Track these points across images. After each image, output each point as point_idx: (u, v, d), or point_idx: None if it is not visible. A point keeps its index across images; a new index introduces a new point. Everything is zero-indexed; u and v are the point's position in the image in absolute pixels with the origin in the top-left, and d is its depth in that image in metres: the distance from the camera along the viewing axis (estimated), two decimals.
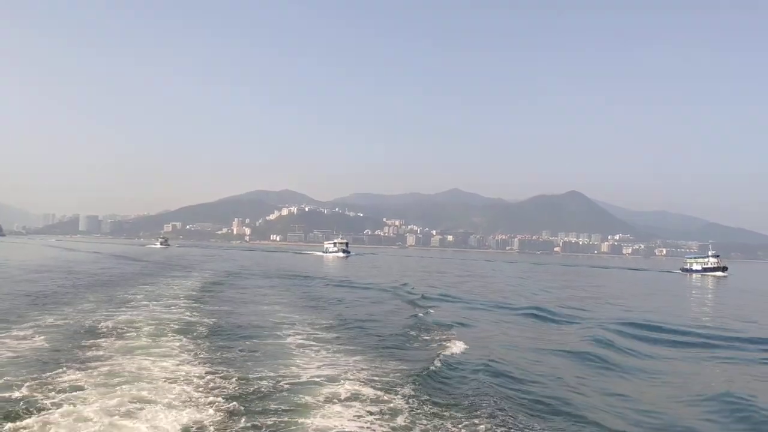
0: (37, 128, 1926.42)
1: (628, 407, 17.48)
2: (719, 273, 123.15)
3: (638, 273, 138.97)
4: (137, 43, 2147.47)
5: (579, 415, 16.20)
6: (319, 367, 20.16)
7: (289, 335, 26.72)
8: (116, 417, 14.19)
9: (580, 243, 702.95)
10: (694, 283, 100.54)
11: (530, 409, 16.46)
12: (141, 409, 14.78)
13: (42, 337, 23.75)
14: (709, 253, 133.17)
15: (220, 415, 14.67)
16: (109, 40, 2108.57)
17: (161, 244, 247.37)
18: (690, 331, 33.95)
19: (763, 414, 16.91)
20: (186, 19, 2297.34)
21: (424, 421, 14.75)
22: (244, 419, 14.50)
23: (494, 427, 14.36)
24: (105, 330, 25.76)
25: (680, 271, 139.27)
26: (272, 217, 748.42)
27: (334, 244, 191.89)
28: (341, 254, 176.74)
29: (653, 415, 16.84)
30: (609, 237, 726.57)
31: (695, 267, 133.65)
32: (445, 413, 15.44)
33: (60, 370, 18.32)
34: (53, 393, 15.85)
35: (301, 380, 18.32)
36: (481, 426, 14.45)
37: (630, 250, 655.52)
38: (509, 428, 14.38)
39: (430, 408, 15.79)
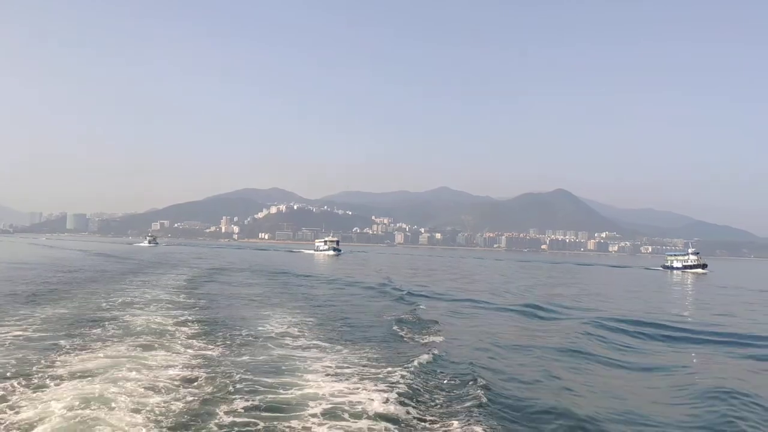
0: (26, 127, 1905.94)
1: (611, 400, 17.96)
2: (699, 270, 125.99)
3: (620, 270, 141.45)
4: (128, 42, 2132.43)
5: (565, 410, 16.33)
6: (307, 362, 20.71)
7: (280, 330, 27.46)
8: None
9: (567, 241, 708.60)
10: (673, 280, 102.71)
11: (517, 405, 16.64)
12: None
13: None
14: (690, 251, 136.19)
15: (198, 405, 15.26)
16: (99, 40, 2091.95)
17: (149, 242, 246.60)
18: (668, 325, 35.25)
19: (739, 405, 17.42)
20: (178, 18, 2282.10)
21: (411, 418, 14.84)
22: (226, 411, 14.99)
23: (481, 423, 14.40)
24: (100, 322, 27.61)
25: (661, 269, 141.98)
26: (261, 215, 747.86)
27: (325, 242, 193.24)
28: (332, 252, 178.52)
29: (635, 408, 17.27)
30: (596, 235, 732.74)
31: (676, 264, 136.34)
32: (432, 409, 15.70)
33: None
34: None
35: (288, 373, 18.84)
36: (469, 422, 14.56)
37: (616, 248, 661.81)
38: (497, 424, 14.47)
39: (417, 404, 15.94)
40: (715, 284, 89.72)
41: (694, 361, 24.78)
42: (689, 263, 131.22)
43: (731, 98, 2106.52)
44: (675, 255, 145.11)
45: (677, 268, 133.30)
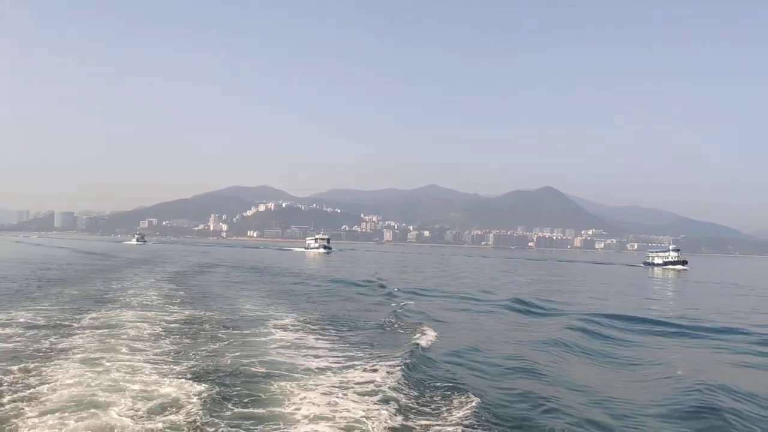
0: (15, 125, 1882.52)
1: (596, 393, 18.34)
2: (679, 267, 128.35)
3: (603, 267, 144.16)
4: (116, 43, 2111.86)
5: (550, 403, 16.64)
6: (297, 357, 21.28)
7: (270, 328, 27.85)
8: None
9: (554, 238, 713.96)
10: (653, 276, 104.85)
11: (504, 399, 16.98)
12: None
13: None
14: (670, 248, 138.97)
15: (196, 401, 15.62)
16: (84, 41, 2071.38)
17: (138, 240, 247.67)
18: (646, 319, 36.65)
19: (714, 396, 17.86)
20: (166, 20, 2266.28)
21: (398, 415, 14.97)
22: (215, 404, 15.39)
23: (468, 420, 14.53)
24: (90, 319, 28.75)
25: (643, 265, 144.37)
26: (249, 213, 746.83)
27: (316, 240, 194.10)
28: (322, 250, 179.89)
29: (618, 399, 17.79)
30: (582, 232, 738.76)
31: (657, 261, 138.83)
32: (419, 406, 15.83)
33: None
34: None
35: (278, 371, 19.06)
36: (457, 417, 14.78)
37: (602, 245, 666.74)
38: (483, 421, 14.56)
39: (405, 399, 16.18)
40: (693, 280, 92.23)
41: (672, 355, 25.44)
42: (670, 260, 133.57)
43: (718, 97, 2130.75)
44: (656, 252, 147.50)
45: (658, 265, 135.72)
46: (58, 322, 27.15)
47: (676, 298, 59.19)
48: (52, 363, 19.01)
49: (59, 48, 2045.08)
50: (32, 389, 16.04)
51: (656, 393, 18.71)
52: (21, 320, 27.33)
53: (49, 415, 13.96)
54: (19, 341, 22.59)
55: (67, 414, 14.14)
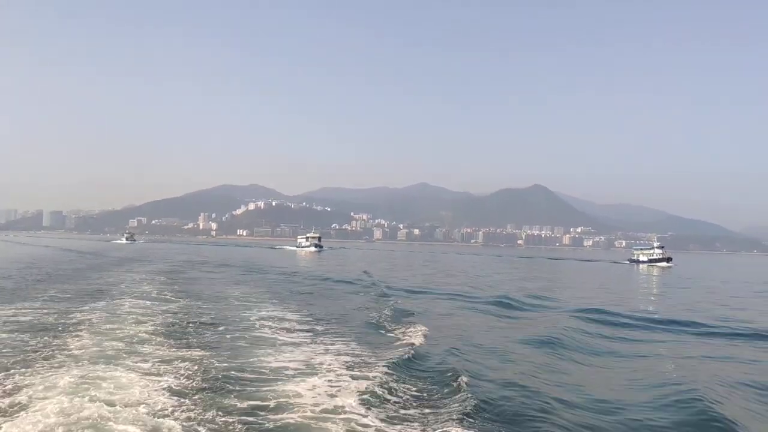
0: (9, 124, 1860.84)
1: (585, 388, 18.58)
2: (664, 264, 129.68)
3: (589, 264, 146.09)
4: (107, 44, 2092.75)
5: (538, 402, 16.59)
6: (288, 359, 21.15)
7: (264, 327, 28.09)
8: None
9: (543, 236, 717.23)
10: (639, 273, 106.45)
11: (495, 396, 16.91)
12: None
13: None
14: (655, 245, 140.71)
15: (191, 401, 15.66)
16: (84, 41, 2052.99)
17: (127, 239, 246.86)
18: (631, 314, 37.61)
19: (700, 390, 18.04)
20: (166, 20, 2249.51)
21: (391, 413, 14.99)
22: (213, 404, 15.36)
23: (460, 418, 14.47)
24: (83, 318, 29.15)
25: (628, 262, 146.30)
26: (239, 212, 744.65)
27: (307, 238, 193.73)
28: (314, 248, 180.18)
29: (607, 393, 18.11)
30: (571, 230, 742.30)
31: (642, 258, 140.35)
32: (412, 405, 15.88)
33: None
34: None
35: (271, 369, 19.21)
36: (449, 415, 14.79)
37: (590, 243, 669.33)
38: (472, 417, 14.58)
39: (397, 399, 16.22)
40: (676, 276, 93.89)
41: (653, 350, 25.75)
42: (654, 257, 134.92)
43: (707, 96, 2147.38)
44: (641, 249, 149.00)
45: (643, 262, 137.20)
46: (51, 318, 28.57)
47: (656, 295, 60.65)
48: (50, 357, 20.17)
49: (59, 48, 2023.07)
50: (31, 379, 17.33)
51: (640, 387, 19.22)
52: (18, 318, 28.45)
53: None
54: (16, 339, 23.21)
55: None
